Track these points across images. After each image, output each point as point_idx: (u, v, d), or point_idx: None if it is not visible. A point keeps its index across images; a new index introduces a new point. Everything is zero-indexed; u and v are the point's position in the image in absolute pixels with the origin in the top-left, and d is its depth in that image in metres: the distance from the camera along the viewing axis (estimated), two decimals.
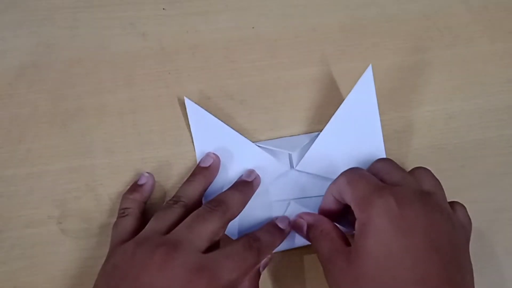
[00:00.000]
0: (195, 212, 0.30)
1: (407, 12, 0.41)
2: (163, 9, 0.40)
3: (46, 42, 0.39)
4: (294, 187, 0.34)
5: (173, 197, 0.32)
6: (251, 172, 0.34)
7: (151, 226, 0.30)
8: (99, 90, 0.38)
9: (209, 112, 0.36)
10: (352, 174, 0.30)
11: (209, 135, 0.34)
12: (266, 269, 0.33)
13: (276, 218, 0.33)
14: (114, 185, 0.35)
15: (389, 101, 0.38)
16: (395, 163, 0.32)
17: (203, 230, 0.29)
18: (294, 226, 0.33)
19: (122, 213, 0.32)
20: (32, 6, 0.40)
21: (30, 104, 0.37)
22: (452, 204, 0.31)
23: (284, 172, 0.35)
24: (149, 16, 0.40)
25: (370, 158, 0.34)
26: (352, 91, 0.33)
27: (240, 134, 0.35)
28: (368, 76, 0.33)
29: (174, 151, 0.36)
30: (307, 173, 0.34)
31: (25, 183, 0.35)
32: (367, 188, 0.28)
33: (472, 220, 0.35)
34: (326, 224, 0.31)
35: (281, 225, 0.32)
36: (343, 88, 0.38)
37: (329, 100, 0.38)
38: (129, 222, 0.31)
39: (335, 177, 0.34)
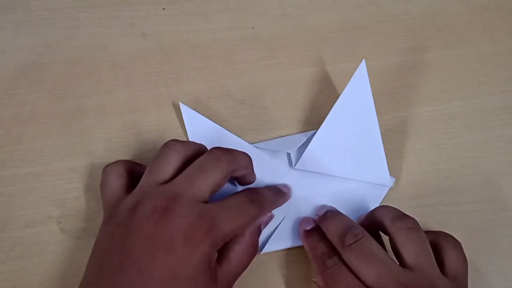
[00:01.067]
0: (197, 162, 0.29)
1: (407, 12, 0.41)
2: (163, 9, 0.40)
3: (46, 42, 0.39)
4: (295, 186, 0.34)
5: (170, 141, 0.30)
6: (285, 186, 0.34)
7: (147, 178, 0.29)
8: (99, 90, 0.38)
9: (208, 112, 0.36)
10: (362, 248, 0.28)
11: (205, 139, 0.34)
12: (265, 271, 0.33)
13: (278, 184, 0.34)
14: None
15: (389, 101, 0.38)
16: (416, 229, 0.29)
17: (204, 182, 0.28)
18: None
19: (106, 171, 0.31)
20: (32, 6, 0.40)
21: (30, 104, 0.37)
22: (445, 248, 0.29)
23: (284, 172, 0.35)
24: (149, 16, 0.40)
25: (369, 153, 0.34)
26: (347, 87, 0.33)
27: (237, 136, 0.35)
28: (362, 71, 0.33)
29: None
30: (307, 171, 0.34)
31: (25, 183, 0.35)
32: (381, 271, 0.27)
33: (472, 220, 0.35)
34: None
35: (283, 189, 0.33)
36: (343, 88, 0.38)
37: (329, 100, 0.37)
38: (116, 181, 0.30)
39: (334, 173, 0.34)
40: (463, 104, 0.38)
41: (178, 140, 0.30)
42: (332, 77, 0.39)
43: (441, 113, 0.38)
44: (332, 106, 0.33)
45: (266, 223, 0.33)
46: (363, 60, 0.33)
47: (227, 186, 0.34)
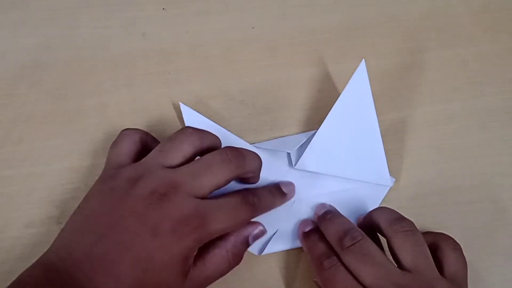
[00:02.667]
0: (206, 158, 0.28)
1: (407, 12, 0.41)
2: (163, 9, 0.40)
3: (46, 42, 0.39)
4: (295, 186, 0.34)
5: (188, 128, 0.30)
6: (289, 184, 0.34)
7: (155, 156, 0.29)
8: (99, 90, 0.38)
9: (208, 112, 0.36)
10: (361, 250, 0.28)
11: None
12: (265, 271, 0.33)
13: (281, 182, 0.34)
14: None
15: (389, 101, 0.38)
16: (413, 232, 0.29)
17: (207, 180, 0.28)
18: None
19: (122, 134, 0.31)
20: (32, 6, 0.40)
21: (30, 104, 0.37)
22: (444, 250, 0.29)
23: (284, 172, 0.35)
24: (149, 16, 0.40)
25: (369, 153, 0.34)
26: (347, 86, 0.33)
27: (237, 136, 0.35)
28: (362, 71, 0.33)
29: None
30: (307, 171, 0.34)
31: (25, 183, 0.35)
32: (380, 273, 0.27)
33: (472, 221, 0.35)
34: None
35: (284, 189, 0.33)
36: (343, 89, 0.38)
37: (329, 101, 0.37)
38: (127, 146, 0.30)
39: (335, 173, 0.34)
40: (463, 105, 0.38)
41: (196, 130, 0.30)
42: (332, 77, 0.39)
43: (441, 113, 0.38)
44: (332, 106, 0.33)
45: (256, 237, 0.32)
46: (363, 60, 0.33)
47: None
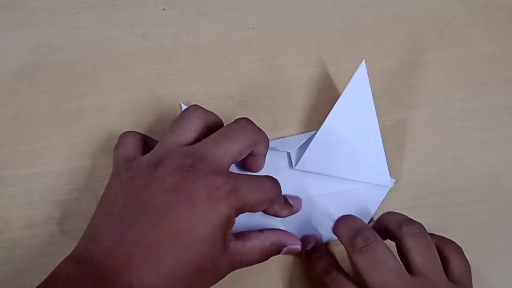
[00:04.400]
0: (223, 128, 0.29)
1: (407, 12, 0.41)
2: (163, 9, 0.40)
3: (47, 43, 0.39)
4: (295, 187, 0.34)
5: (191, 105, 0.30)
6: (295, 198, 0.34)
7: (170, 138, 0.29)
8: (99, 90, 0.38)
9: None
10: (372, 253, 0.28)
11: None
12: (265, 271, 0.33)
13: (288, 195, 0.34)
14: None
15: (389, 101, 0.38)
16: (424, 234, 0.29)
17: (230, 147, 0.28)
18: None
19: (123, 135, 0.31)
20: (33, 6, 0.40)
21: (30, 104, 0.37)
22: (448, 253, 0.29)
23: (284, 172, 0.35)
24: (149, 17, 0.40)
25: (369, 154, 0.34)
26: (347, 87, 0.33)
27: None
28: (362, 72, 0.33)
29: None
30: (307, 172, 0.34)
31: (26, 184, 0.35)
32: (391, 280, 0.26)
33: (472, 221, 0.35)
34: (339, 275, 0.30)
35: (291, 202, 0.33)
36: (343, 89, 0.38)
37: (329, 101, 0.37)
38: (132, 142, 0.30)
39: (335, 174, 0.34)
40: (463, 105, 0.38)
41: (199, 106, 0.30)
42: (332, 77, 0.39)
43: (441, 113, 0.38)
44: (331, 107, 0.33)
45: (290, 251, 0.31)
46: (363, 61, 0.33)
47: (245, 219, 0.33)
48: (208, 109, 0.31)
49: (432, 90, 0.39)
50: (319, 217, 0.34)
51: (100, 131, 0.36)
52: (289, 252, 0.31)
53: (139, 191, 0.26)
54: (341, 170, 0.34)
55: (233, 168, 0.34)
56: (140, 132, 0.32)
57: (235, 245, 0.27)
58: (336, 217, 0.33)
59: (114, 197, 0.27)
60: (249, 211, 0.28)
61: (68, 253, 0.26)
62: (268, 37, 0.40)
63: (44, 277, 0.26)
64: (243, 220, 0.32)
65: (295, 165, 0.34)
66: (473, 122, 0.38)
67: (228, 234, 0.27)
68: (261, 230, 0.30)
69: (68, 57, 0.38)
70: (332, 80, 0.39)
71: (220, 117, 0.36)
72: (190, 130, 0.29)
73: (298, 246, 0.31)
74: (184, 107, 0.35)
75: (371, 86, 0.33)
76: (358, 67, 0.33)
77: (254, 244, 0.29)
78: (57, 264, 0.26)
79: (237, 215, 0.27)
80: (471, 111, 0.38)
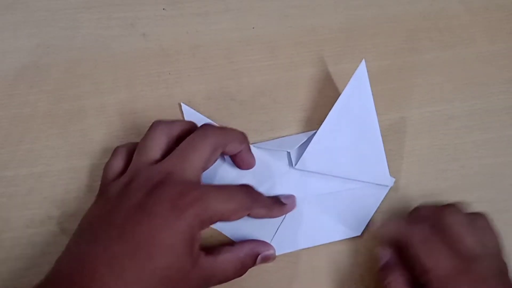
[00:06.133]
0: (187, 139, 0.29)
1: (407, 12, 0.41)
2: (163, 9, 0.40)
3: (46, 43, 0.39)
4: (295, 186, 0.34)
5: (154, 122, 0.31)
6: (288, 197, 0.34)
7: (137, 159, 0.29)
8: (99, 90, 0.38)
9: (208, 112, 0.36)
10: (428, 236, 0.29)
11: None
12: (265, 271, 0.33)
13: (281, 195, 0.34)
14: None
15: (389, 101, 0.38)
16: (464, 217, 0.30)
17: (195, 158, 0.28)
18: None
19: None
20: (33, 7, 0.40)
21: (30, 104, 0.37)
22: (477, 221, 0.30)
23: (284, 172, 0.35)
24: (149, 17, 0.40)
25: (369, 153, 0.34)
26: (347, 86, 0.33)
27: None
28: (362, 71, 0.33)
29: None
30: (307, 171, 0.34)
31: (26, 184, 0.35)
32: (450, 265, 0.27)
33: None
34: (397, 278, 0.29)
35: (284, 200, 0.33)
36: (343, 89, 0.38)
37: (329, 101, 0.37)
38: (117, 162, 0.31)
39: (335, 173, 0.34)
40: (463, 105, 0.38)
41: (162, 120, 0.31)
42: (332, 77, 0.39)
43: (441, 113, 0.38)
44: (331, 107, 0.33)
45: (265, 259, 0.32)
46: (363, 60, 0.33)
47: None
48: (174, 118, 0.32)
49: (432, 90, 0.39)
50: (319, 216, 0.34)
51: (100, 131, 0.36)
52: (265, 260, 0.32)
53: (110, 211, 0.27)
54: (341, 169, 0.34)
55: (232, 171, 0.34)
56: (131, 142, 0.32)
57: (206, 260, 0.28)
58: (336, 216, 0.33)
59: (89, 219, 0.28)
60: (221, 220, 0.28)
61: None
62: (268, 37, 0.40)
63: (44, 276, 0.26)
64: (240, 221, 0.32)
65: (295, 165, 0.34)
66: (473, 122, 0.38)
67: (194, 246, 0.27)
68: (232, 244, 0.30)
69: (68, 57, 0.38)
70: (332, 80, 0.39)
71: (220, 117, 0.36)
72: (156, 149, 0.29)
73: (272, 252, 0.32)
74: (184, 107, 0.35)
75: (371, 86, 0.34)
76: (358, 66, 0.33)
77: (226, 257, 0.29)
78: None
79: (206, 226, 0.27)
80: (471, 111, 0.38)
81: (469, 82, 0.39)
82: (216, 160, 0.31)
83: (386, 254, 0.31)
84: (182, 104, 0.35)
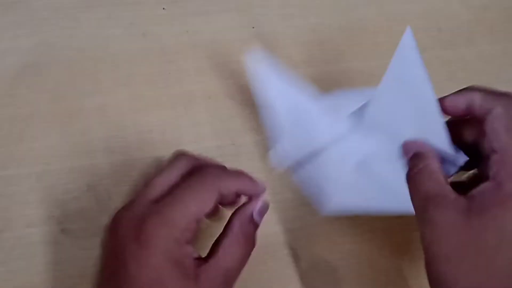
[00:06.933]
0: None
1: (407, 12, 0.41)
2: (163, 9, 0.40)
3: (46, 42, 0.39)
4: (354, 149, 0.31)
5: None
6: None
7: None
8: (99, 90, 0.38)
9: (208, 112, 0.36)
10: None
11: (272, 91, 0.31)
12: (266, 271, 0.33)
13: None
14: (114, 185, 0.35)
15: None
16: None
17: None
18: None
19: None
20: (33, 6, 0.40)
21: (30, 104, 0.37)
22: None
23: (343, 132, 0.31)
24: (149, 16, 0.40)
25: (429, 132, 0.29)
26: (392, 61, 0.30)
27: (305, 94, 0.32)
28: (408, 41, 0.29)
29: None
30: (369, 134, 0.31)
31: (26, 183, 0.35)
32: None
33: None
34: (433, 162, 0.26)
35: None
36: (344, 88, 0.38)
37: None
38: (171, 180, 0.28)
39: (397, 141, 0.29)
40: None
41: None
42: (332, 77, 0.39)
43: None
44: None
45: (262, 212, 0.29)
46: (408, 27, 0.30)
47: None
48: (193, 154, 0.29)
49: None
50: (379, 184, 0.30)
51: (100, 131, 0.36)
52: (263, 212, 0.29)
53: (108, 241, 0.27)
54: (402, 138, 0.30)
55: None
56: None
57: (207, 268, 0.26)
58: (402, 185, 0.28)
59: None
60: (198, 221, 0.26)
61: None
62: (268, 36, 0.40)
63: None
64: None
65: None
66: None
67: (184, 266, 0.25)
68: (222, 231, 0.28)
69: (68, 56, 0.38)
70: (332, 80, 0.39)
71: (220, 116, 0.36)
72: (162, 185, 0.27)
73: (263, 201, 0.29)
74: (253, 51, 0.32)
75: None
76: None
77: (225, 244, 0.27)
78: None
79: (186, 240, 0.26)
80: None
81: (469, 82, 0.39)
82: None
83: (412, 146, 0.28)
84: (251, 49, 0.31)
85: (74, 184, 0.35)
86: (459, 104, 0.28)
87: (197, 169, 0.28)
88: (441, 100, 0.29)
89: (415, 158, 0.27)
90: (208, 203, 0.26)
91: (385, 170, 0.30)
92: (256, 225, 0.29)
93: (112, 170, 0.35)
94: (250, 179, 0.29)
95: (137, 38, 0.39)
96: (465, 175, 0.28)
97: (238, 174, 0.29)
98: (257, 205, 0.29)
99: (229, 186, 0.28)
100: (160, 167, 0.29)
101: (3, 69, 0.38)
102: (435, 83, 0.39)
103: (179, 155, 0.29)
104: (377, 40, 0.40)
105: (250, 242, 0.28)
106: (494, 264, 0.22)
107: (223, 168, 0.29)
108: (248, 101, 0.38)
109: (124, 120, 0.37)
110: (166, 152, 0.36)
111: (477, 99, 0.27)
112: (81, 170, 0.35)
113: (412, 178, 0.27)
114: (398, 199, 0.28)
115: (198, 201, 0.26)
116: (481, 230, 0.22)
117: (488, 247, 0.22)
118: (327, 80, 0.39)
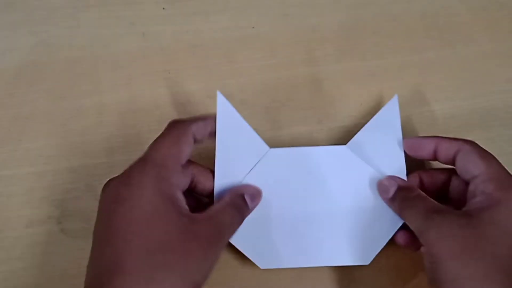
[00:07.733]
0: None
1: (407, 11, 0.41)
2: (163, 8, 0.40)
3: (46, 42, 0.39)
4: (312, 197, 0.32)
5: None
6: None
7: None
8: (99, 89, 0.38)
9: (209, 112, 0.35)
10: (483, 149, 0.30)
11: (233, 136, 0.32)
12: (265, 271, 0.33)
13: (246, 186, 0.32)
14: None
15: (389, 100, 0.38)
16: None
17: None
18: (378, 187, 0.32)
19: None
20: (32, 5, 0.40)
21: (30, 103, 0.37)
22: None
23: (302, 180, 0.32)
24: (149, 16, 0.40)
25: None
26: (375, 117, 0.33)
27: (264, 142, 0.33)
28: (393, 105, 0.33)
29: None
30: (328, 184, 0.32)
31: (25, 183, 0.35)
32: (503, 170, 0.29)
33: None
34: (421, 191, 0.30)
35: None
36: (343, 88, 0.38)
37: (329, 100, 0.38)
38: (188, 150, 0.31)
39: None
40: (463, 104, 0.38)
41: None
42: (332, 77, 0.39)
43: (441, 113, 0.38)
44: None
45: (253, 196, 0.31)
46: (396, 96, 0.33)
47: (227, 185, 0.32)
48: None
49: (432, 89, 0.39)
50: (329, 235, 0.31)
51: (100, 131, 0.36)
52: (254, 198, 0.31)
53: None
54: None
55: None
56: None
57: (200, 215, 0.27)
58: (346, 239, 0.31)
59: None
60: (180, 162, 0.28)
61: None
62: (268, 36, 0.40)
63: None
64: None
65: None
66: (474, 121, 0.38)
67: (176, 202, 0.27)
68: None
69: (67, 56, 0.38)
70: (332, 79, 0.39)
71: None
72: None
73: (256, 189, 0.32)
74: (220, 96, 0.32)
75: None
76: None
77: (216, 208, 0.29)
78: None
79: (170, 180, 0.27)
80: (472, 111, 0.38)
81: (470, 81, 0.39)
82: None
83: (393, 183, 0.31)
84: (218, 92, 0.32)
85: (74, 184, 0.35)
86: (426, 147, 0.32)
87: None
88: (407, 143, 0.33)
89: (404, 191, 0.30)
90: (186, 146, 0.29)
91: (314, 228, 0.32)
92: (246, 204, 0.30)
93: (112, 170, 0.35)
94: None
95: (137, 37, 0.39)
96: None
97: (206, 117, 0.31)
98: (249, 188, 0.31)
99: (200, 128, 0.30)
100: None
101: (3, 69, 0.38)
102: (435, 83, 0.39)
103: (172, 123, 0.31)
104: (377, 40, 0.40)
105: (237, 214, 0.29)
106: (496, 253, 0.25)
107: (196, 117, 0.31)
108: (248, 100, 0.38)
109: (124, 120, 0.37)
110: None
111: (444, 143, 0.31)
112: (81, 170, 0.35)
113: (409, 203, 0.30)
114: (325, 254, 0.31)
115: (177, 145, 0.29)
116: (481, 226, 0.26)
117: (489, 239, 0.25)
118: (327, 80, 0.38)
